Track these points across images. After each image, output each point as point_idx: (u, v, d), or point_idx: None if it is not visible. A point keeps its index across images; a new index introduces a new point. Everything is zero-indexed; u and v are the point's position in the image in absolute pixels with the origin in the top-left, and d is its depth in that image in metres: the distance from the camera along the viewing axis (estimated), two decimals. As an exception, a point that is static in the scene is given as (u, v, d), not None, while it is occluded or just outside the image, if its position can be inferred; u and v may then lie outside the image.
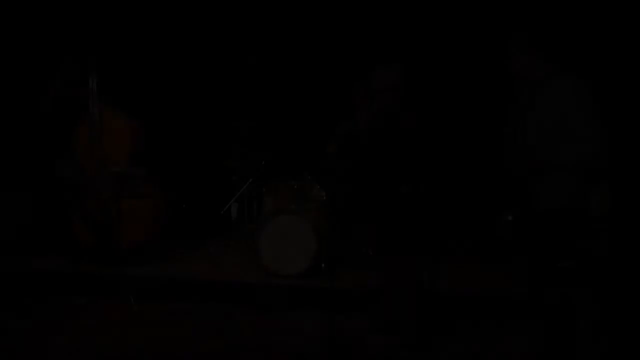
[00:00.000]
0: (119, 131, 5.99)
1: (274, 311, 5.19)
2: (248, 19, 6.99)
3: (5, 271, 5.78)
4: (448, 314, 4.84)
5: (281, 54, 6.89)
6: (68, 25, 6.52)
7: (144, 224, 5.98)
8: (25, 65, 6.73)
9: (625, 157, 4.87)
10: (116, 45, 6.21)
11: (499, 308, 4.76)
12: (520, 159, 3.37)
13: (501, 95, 3.71)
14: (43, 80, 6.21)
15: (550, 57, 3.36)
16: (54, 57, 6.22)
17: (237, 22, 7.04)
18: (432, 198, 4.27)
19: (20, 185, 5.48)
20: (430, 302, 3.99)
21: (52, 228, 6.07)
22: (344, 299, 4.82)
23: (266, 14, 6.91)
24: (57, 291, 5.63)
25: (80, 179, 5.79)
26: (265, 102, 6.80)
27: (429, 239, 3.85)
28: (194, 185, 7.05)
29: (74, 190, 5.61)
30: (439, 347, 4.29)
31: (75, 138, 6.00)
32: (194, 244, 6.79)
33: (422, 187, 4.31)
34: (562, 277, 2.38)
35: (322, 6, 6.65)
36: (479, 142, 5.40)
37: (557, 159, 3.29)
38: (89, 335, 4.70)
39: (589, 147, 3.21)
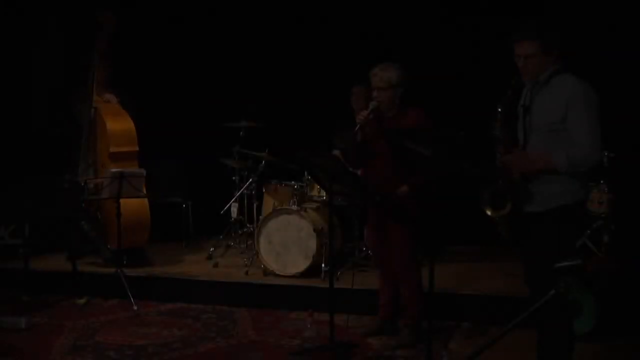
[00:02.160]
0: (120, 130, 5.98)
1: (274, 311, 5.19)
2: (249, 17, 6.99)
3: (6, 271, 5.79)
4: (448, 314, 4.84)
5: (282, 53, 6.88)
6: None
7: (144, 224, 5.97)
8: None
9: (625, 156, 4.87)
10: (116, 44, 6.20)
11: (499, 307, 4.76)
12: (519, 160, 3.35)
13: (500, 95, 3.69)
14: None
15: (555, 57, 3.32)
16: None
17: (237, 21, 7.04)
18: (431, 198, 4.26)
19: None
20: (429, 302, 3.98)
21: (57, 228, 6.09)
22: (344, 299, 4.82)
23: (267, 14, 6.91)
24: (57, 291, 5.64)
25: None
26: (266, 102, 6.79)
27: (429, 239, 3.85)
28: (194, 186, 7.04)
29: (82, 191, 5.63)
30: (438, 347, 4.29)
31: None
32: (194, 244, 6.78)
33: (419, 186, 4.31)
34: (563, 276, 2.37)
35: (323, 6, 6.64)
36: (478, 141, 5.37)
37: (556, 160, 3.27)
38: (89, 335, 4.70)
39: (586, 147, 3.19)
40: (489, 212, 3.37)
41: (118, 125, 5.99)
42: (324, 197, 5.54)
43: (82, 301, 5.35)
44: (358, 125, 4.29)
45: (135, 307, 5.14)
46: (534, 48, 3.29)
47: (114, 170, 5.38)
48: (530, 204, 3.36)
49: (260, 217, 5.84)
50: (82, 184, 5.71)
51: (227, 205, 6.34)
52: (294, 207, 5.57)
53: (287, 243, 5.55)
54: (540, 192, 3.32)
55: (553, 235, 3.28)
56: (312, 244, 5.45)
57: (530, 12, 5.53)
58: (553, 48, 3.31)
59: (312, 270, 5.48)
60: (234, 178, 6.45)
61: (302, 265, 5.49)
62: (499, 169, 3.41)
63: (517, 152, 3.36)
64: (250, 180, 6.23)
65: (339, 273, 5.43)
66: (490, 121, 3.46)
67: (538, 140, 3.33)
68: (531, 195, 3.35)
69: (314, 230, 5.43)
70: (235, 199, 6.34)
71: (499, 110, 3.39)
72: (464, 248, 6.41)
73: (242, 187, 6.30)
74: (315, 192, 5.70)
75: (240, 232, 6.39)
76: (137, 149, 6.01)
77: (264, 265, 5.60)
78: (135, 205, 5.79)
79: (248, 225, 6.36)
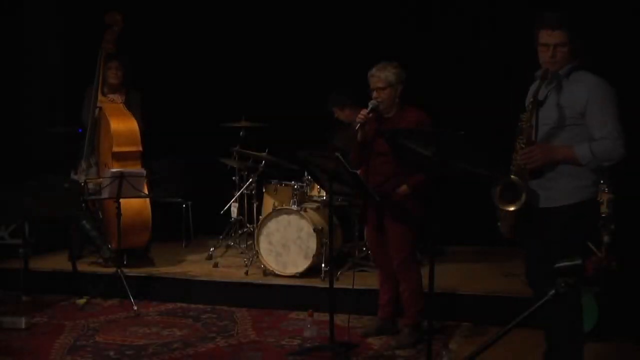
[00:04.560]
0: (124, 130, 5.98)
1: (274, 311, 5.19)
2: (249, 17, 6.99)
3: (6, 271, 5.79)
4: (448, 314, 4.84)
5: (282, 53, 6.88)
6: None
7: (146, 225, 5.97)
8: None
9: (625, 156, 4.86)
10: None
11: (499, 307, 4.76)
12: (542, 151, 3.33)
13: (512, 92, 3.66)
14: None
15: (578, 51, 3.31)
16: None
17: (237, 21, 7.04)
18: (430, 198, 4.26)
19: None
20: (429, 302, 3.98)
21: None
22: (344, 299, 4.82)
23: (267, 13, 6.91)
24: (57, 291, 5.64)
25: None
26: (266, 102, 6.79)
27: (428, 239, 3.84)
28: (194, 186, 7.04)
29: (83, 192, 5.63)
30: (438, 347, 4.29)
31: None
32: (194, 244, 6.79)
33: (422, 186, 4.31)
34: (565, 275, 2.37)
35: (324, 6, 6.64)
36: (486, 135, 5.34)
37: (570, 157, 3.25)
38: (89, 335, 4.70)
39: (608, 141, 3.18)
40: (501, 206, 3.32)
41: (122, 125, 5.98)
42: (324, 197, 5.53)
43: (82, 301, 5.35)
44: (358, 125, 4.30)
45: (135, 307, 5.14)
46: (566, 37, 3.25)
47: (114, 170, 5.38)
48: (542, 200, 3.34)
49: (260, 217, 5.84)
50: (82, 184, 5.70)
51: (227, 205, 6.34)
52: (294, 207, 5.57)
53: (287, 243, 5.55)
54: (552, 187, 3.30)
55: (564, 232, 3.26)
56: (312, 244, 5.45)
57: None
58: (580, 42, 3.29)
59: (312, 270, 5.48)
60: (234, 178, 6.45)
61: (302, 265, 5.49)
62: (498, 169, 3.39)
63: (540, 144, 3.30)
64: (250, 180, 6.23)
65: (339, 273, 5.43)
66: (496, 117, 3.42)
67: (551, 134, 3.31)
68: (534, 191, 3.33)
69: (314, 230, 5.43)
70: (235, 199, 6.33)
71: (531, 100, 3.34)
72: (464, 248, 6.41)
73: (242, 187, 6.29)
74: (315, 192, 5.70)
75: (240, 232, 6.39)
76: (140, 149, 6.00)
77: (264, 265, 5.60)
78: (137, 206, 5.79)
79: (248, 225, 6.35)
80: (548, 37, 3.28)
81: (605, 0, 5.63)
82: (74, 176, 6.00)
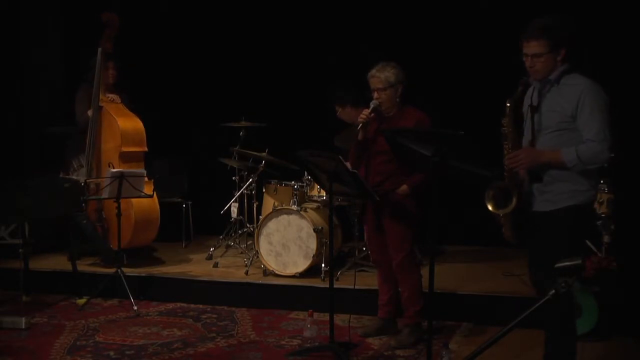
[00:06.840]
0: (132, 130, 5.97)
1: (274, 311, 5.19)
2: (248, 17, 6.99)
3: (6, 271, 5.79)
4: (448, 314, 4.84)
5: (282, 53, 6.88)
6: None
7: (155, 222, 5.97)
8: None
9: (625, 156, 4.86)
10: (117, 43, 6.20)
11: (499, 307, 4.76)
12: (528, 154, 3.33)
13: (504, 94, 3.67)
14: None
15: (563, 56, 3.31)
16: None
17: (237, 21, 7.04)
18: (430, 197, 4.25)
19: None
20: (429, 302, 3.98)
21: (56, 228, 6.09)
22: (344, 299, 4.82)
23: (267, 13, 6.91)
24: (57, 291, 5.63)
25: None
26: (266, 102, 6.79)
27: (428, 239, 3.84)
28: (194, 186, 7.04)
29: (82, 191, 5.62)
30: (438, 347, 4.29)
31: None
32: (194, 244, 6.79)
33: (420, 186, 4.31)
34: (565, 275, 2.38)
35: (322, 6, 6.64)
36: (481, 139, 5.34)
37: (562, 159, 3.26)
38: (89, 335, 4.71)
39: (596, 145, 3.19)
40: (490, 208, 3.36)
41: (129, 124, 5.96)
42: (324, 197, 5.53)
43: (82, 301, 5.35)
44: (360, 125, 4.30)
45: (135, 307, 5.14)
46: (541, 47, 3.27)
47: (114, 170, 5.37)
48: (539, 203, 3.35)
49: (260, 217, 5.84)
50: (83, 184, 5.70)
51: (227, 205, 6.34)
52: (294, 207, 5.57)
53: (287, 243, 5.55)
54: (550, 191, 3.32)
55: (561, 235, 3.27)
56: (312, 244, 5.45)
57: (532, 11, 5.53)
58: (561, 47, 3.29)
59: (312, 270, 5.48)
60: (234, 178, 6.45)
61: (302, 265, 5.49)
62: (498, 168, 3.41)
63: (526, 147, 3.34)
64: (250, 180, 6.23)
65: (339, 273, 5.43)
66: (499, 118, 3.45)
67: (546, 139, 3.32)
68: (533, 195, 3.35)
69: (314, 230, 5.43)
70: (235, 199, 6.33)
71: (508, 105, 3.37)
72: (464, 248, 6.42)
73: (242, 187, 6.29)
74: (315, 192, 5.69)
75: (240, 232, 6.39)
76: (146, 149, 6.01)
77: (264, 265, 5.60)
78: (146, 204, 5.82)
79: (248, 225, 6.35)
80: (525, 48, 3.33)
81: (604, 2, 5.64)
82: (63, 176, 6.00)
